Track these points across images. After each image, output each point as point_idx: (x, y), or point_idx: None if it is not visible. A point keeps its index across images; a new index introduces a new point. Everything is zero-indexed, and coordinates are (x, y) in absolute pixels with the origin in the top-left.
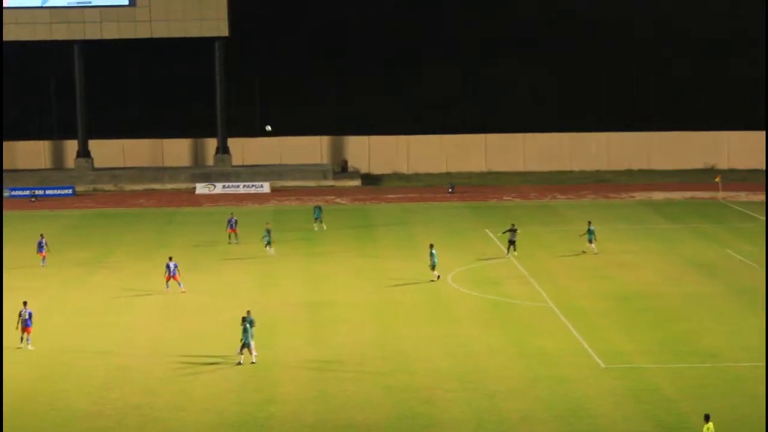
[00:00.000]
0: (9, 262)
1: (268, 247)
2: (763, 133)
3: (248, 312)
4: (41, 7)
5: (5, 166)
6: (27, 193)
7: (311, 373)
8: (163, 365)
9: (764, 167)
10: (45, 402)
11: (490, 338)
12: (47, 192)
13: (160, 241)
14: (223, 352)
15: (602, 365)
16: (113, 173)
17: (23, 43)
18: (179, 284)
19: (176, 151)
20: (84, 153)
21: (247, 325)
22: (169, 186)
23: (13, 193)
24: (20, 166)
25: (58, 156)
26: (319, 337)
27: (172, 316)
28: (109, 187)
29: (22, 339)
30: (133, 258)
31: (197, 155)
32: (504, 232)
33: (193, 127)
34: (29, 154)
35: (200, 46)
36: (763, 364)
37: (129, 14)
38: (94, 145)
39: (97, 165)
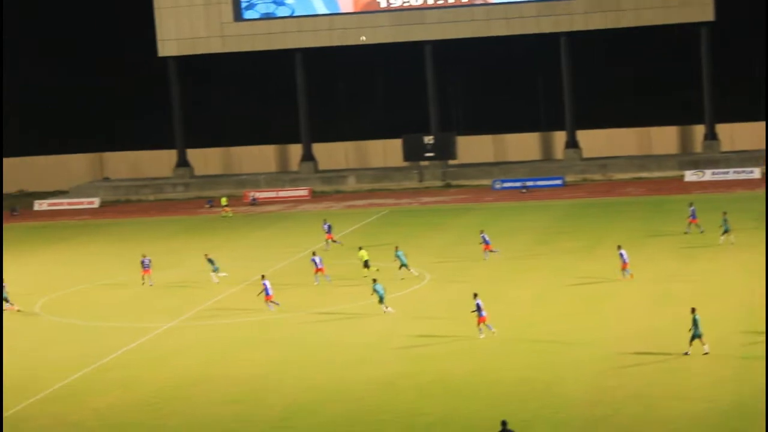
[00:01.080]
0: (508, 251)
1: (723, 236)
2: None
3: None
4: (527, 2)
5: (496, 159)
6: (518, 184)
7: None
8: (654, 354)
9: None
10: (541, 389)
11: None
12: (537, 183)
13: (649, 230)
14: (712, 341)
15: None
16: (601, 162)
17: (509, 37)
18: (624, 272)
19: (663, 138)
20: (572, 143)
21: (697, 317)
22: (656, 174)
23: (504, 185)
24: (511, 158)
25: (546, 147)
26: None
27: (660, 303)
28: (597, 176)
29: (480, 330)
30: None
31: (684, 142)
32: None
33: (680, 114)
34: (520, 146)
35: (685, 31)
36: None
37: (613, 4)
38: (582, 135)
39: (585, 155)
